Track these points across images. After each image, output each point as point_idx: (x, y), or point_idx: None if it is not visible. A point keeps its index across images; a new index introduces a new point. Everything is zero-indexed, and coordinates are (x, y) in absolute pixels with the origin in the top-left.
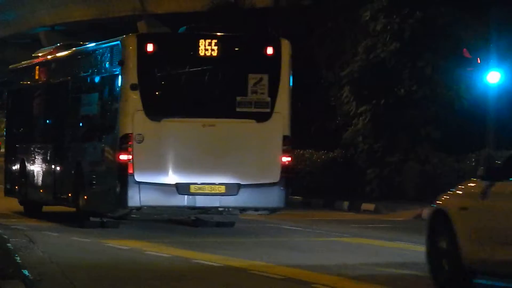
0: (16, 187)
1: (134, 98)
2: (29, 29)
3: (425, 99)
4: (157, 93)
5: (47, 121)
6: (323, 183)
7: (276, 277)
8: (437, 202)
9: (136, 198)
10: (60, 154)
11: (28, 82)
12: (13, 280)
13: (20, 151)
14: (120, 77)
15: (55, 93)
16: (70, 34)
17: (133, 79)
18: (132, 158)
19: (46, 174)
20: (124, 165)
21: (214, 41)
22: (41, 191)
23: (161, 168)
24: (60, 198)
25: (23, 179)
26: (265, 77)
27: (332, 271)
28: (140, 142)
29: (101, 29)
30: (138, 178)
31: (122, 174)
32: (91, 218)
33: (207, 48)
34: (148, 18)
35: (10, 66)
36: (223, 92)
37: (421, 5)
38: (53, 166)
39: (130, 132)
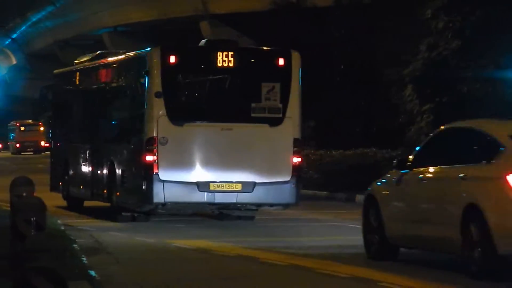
0: (60, 184)
1: (159, 105)
2: (91, 30)
3: (487, 97)
4: (179, 100)
5: (86, 124)
6: None
7: (341, 276)
8: (369, 188)
9: (160, 195)
10: (97, 154)
11: (70, 87)
12: (80, 281)
13: (63, 150)
14: (146, 85)
15: (93, 98)
16: (132, 35)
17: (158, 87)
18: (157, 158)
19: (85, 172)
20: (149, 165)
21: (231, 53)
22: (81, 187)
23: (183, 168)
24: (97, 194)
25: (66, 177)
26: (277, 86)
27: None
28: (164, 144)
29: (162, 30)
30: (162, 176)
31: (148, 173)
32: (123, 213)
33: (224, 59)
34: (210, 18)
35: (55, 71)
36: (239, 99)
37: (481, 2)
38: (91, 165)
39: (155, 135)
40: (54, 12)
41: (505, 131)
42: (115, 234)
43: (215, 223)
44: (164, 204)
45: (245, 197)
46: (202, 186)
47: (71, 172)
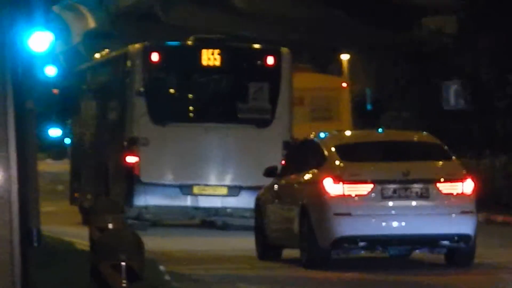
0: (75, 195)
1: (140, 104)
2: None
3: None
4: (162, 99)
5: (87, 127)
6: None
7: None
8: (259, 193)
9: (142, 198)
10: (96, 158)
11: (79, 87)
12: None
13: (76, 157)
14: (128, 84)
15: (91, 100)
16: None
17: (139, 86)
18: (138, 160)
19: (90, 178)
20: (130, 167)
21: (216, 51)
22: (87, 196)
23: (166, 170)
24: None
25: (77, 186)
26: (266, 86)
27: None
28: (145, 145)
29: None
30: (144, 179)
31: (129, 175)
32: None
33: (209, 57)
34: None
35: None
36: (225, 99)
37: None
38: (93, 171)
39: (136, 135)
40: None
41: (333, 142)
42: None
43: None
44: (146, 208)
45: (230, 202)
46: (185, 189)
47: (82, 180)
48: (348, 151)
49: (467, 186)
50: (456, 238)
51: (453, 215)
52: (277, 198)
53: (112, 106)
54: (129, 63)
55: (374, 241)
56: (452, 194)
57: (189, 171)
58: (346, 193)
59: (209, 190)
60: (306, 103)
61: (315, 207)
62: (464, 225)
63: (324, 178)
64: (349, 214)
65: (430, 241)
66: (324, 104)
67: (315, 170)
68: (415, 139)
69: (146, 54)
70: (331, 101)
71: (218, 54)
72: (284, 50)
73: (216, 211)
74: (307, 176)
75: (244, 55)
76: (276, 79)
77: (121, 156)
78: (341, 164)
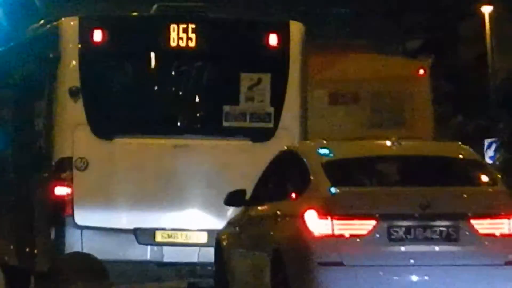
0: None
1: (75, 108)
2: None
3: None
4: (108, 100)
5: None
6: None
7: None
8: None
9: (77, 248)
10: (15, 185)
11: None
12: None
13: None
14: (55, 78)
15: (12, 98)
16: None
17: (73, 81)
18: (72, 192)
19: None
20: (60, 203)
21: (191, 26)
22: None
23: (113, 207)
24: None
25: None
26: (266, 78)
27: None
28: (82, 169)
29: None
30: (79, 220)
31: (57, 215)
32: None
33: (181, 36)
34: None
35: None
36: (204, 100)
37: None
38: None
39: (69, 156)
40: None
41: (321, 157)
42: None
43: None
44: None
45: (212, 255)
46: (143, 235)
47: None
48: (342, 171)
49: None
50: None
51: (496, 266)
52: (244, 238)
53: (36, 112)
54: (59, 46)
55: None
56: (494, 235)
57: (148, 208)
58: (337, 232)
59: (180, 238)
60: (363, 101)
61: (293, 253)
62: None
63: (305, 211)
64: (341, 264)
65: None
66: (391, 101)
67: (294, 198)
68: (444, 154)
69: (84, 32)
70: (402, 96)
71: (194, 30)
72: (294, 23)
73: (190, 269)
74: (283, 207)
75: (233, 32)
76: (281, 68)
77: (46, 186)
78: (331, 190)
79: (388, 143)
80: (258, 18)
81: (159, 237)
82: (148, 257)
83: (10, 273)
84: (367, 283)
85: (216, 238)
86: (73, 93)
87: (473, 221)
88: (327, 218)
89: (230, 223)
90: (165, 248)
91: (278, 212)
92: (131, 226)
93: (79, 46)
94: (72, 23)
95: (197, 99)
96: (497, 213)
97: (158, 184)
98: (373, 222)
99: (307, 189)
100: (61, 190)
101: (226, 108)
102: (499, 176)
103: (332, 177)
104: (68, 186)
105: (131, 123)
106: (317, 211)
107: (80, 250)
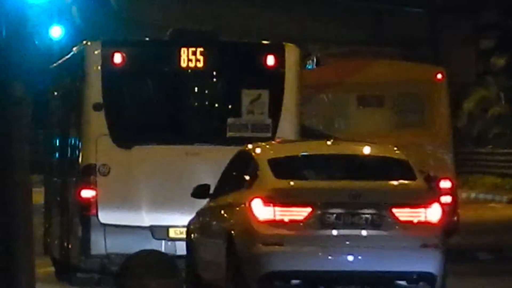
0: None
1: (98, 120)
2: None
3: None
4: (127, 114)
5: (52, 147)
6: None
7: None
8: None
9: (100, 244)
10: (58, 188)
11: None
12: None
13: (47, 186)
14: (83, 94)
15: (54, 111)
16: None
17: (97, 97)
18: (96, 194)
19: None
20: (85, 204)
21: (199, 49)
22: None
23: (132, 207)
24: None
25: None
26: (265, 94)
27: None
28: (105, 174)
29: None
30: (103, 219)
31: (83, 215)
32: (78, 274)
33: (190, 58)
34: None
35: None
36: (211, 113)
37: None
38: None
39: (93, 162)
40: None
41: (267, 155)
42: None
43: None
44: (106, 257)
45: None
46: (158, 232)
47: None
48: (284, 166)
49: (433, 213)
50: (415, 277)
51: (413, 249)
52: (207, 225)
53: (70, 124)
54: (84, 66)
55: (311, 279)
56: (411, 222)
57: (163, 208)
58: (278, 218)
59: None
60: (388, 104)
61: (242, 235)
62: (426, 262)
63: (252, 200)
64: (281, 244)
65: (382, 281)
66: (412, 104)
67: (245, 189)
68: (373, 153)
69: (106, 54)
70: (422, 99)
71: (202, 53)
72: (290, 46)
73: None
74: (235, 197)
75: (236, 54)
76: (278, 85)
77: (73, 189)
78: (274, 182)
79: (328, 143)
80: (257, 41)
81: (172, 233)
82: (163, 251)
83: (57, 266)
84: (302, 261)
85: (187, 228)
86: (97, 108)
87: (394, 210)
88: (270, 206)
89: (197, 214)
90: (177, 243)
91: (232, 202)
92: (147, 224)
93: (101, 67)
94: (95, 46)
95: (205, 113)
96: (415, 204)
97: (171, 187)
98: (309, 209)
99: (255, 181)
100: (86, 193)
101: (230, 120)
102: (419, 172)
103: (276, 172)
104: (92, 189)
105: (147, 133)
106: (262, 199)
107: (103, 246)
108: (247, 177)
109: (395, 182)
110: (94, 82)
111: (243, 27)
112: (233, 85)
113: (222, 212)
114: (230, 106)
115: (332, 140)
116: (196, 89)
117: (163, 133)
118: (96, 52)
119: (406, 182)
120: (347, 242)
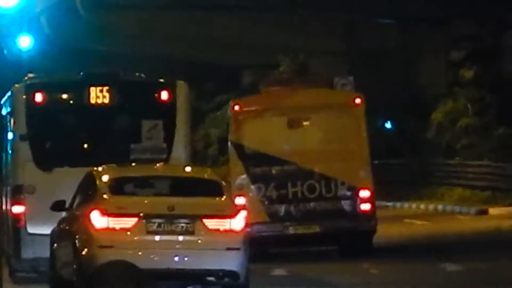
0: None
1: (24, 149)
2: None
3: None
4: (47, 143)
5: None
6: None
7: None
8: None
9: (29, 250)
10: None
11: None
12: None
13: None
14: (12, 126)
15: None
16: None
17: (22, 130)
18: (25, 209)
19: None
20: (16, 217)
21: (105, 88)
22: None
23: (54, 219)
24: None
25: None
26: (160, 123)
27: None
28: (31, 193)
29: None
30: (31, 229)
31: (15, 226)
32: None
33: (98, 95)
34: None
35: None
36: (116, 140)
37: None
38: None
39: (21, 183)
40: None
41: (106, 176)
42: None
43: None
44: (36, 260)
45: None
46: None
47: None
48: (117, 185)
49: (236, 223)
50: (221, 274)
51: (218, 251)
52: (62, 233)
53: (4, 150)
54: (13, 104)
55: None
56: (219, 230)
57: None
58: (111, 226)
59: None
60: (313, 125)
61: (83, 239)
62: (230, 262)
63: (91, 211)
64: (112, 247)
65: (195, 277)
66: (335, 125)
67: (87, 203)
68: (190, 175)
69: (29, 94)
70: (343, 121)
71: (107, 90)
72: (180, 83)
73: None
74: (81, 209)
75: (135, 90)
76: (171, 116)
77: (9, 206)
78: (108, 197)
79: (156, 166)
80: (153, 79)
81: None
82: None
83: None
84: (130, 261)
85: (50, 235)
86: (22, 138)
87: (204, 220)
88: (105, 216)
89: (58, 223)
90: None
91: (78, 213)
92: None
93: (26, 105)
94: (21, 89)
95: (111, 140)
96: (221, 215)
97: None
98: (135, 219)
99: (94, 197)
100: (16, 209)
101: (133, 145)
102: (227, 190)
103: (111, 189)
104: (21, 205)
105: (65, 158)
106: (99, 211)
107: (33, 251)
108: (90, 193)
109: (206, 198)
110: (20, 117)
111: (212, 37)
112: (134, 116)
113: (72, 221)
114: (132, 134)
115: (158, 164)
116: (103, 120)
117: (78, 157)
118: (21, 93)
119: (215, 198)
120: (167, 246)
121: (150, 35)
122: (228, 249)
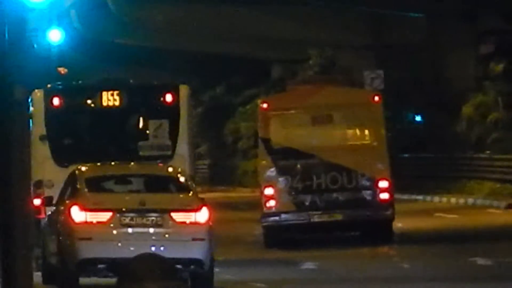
0: None
1: (43, 148)
2: None
3: None
4: (64, 142)
5: None
6: None
7: None
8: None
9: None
10: None
11: None
12: None
13: None
14: (32, 128)
15: None
16: None
17: (42, 130)
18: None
19: None
20: (37, 209)
21: (116, 92)
22: None
23: None
24: None
25: None
26: (166, 122)
27: None
28: (50, 187)
29: None
30: None
31: (36, 217)
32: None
33: (109, 98)
34: None
35: None
36: (126, 138)
37: None
38: None
39: (41, 179)
40: None
41: (85, 174)
42: None
43: None
44: None
45: None
46: None
47: None
48: (94, 183)
49: (201, 215)
50: (187, 262)
51: (185, 241)
52: (49, 226)
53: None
54: (33, 107)
55: (112, 263)
56: (185, 222)
57: None
58: (89, 220)
59: None
60: (335, 122)
61: (64, 232)
62: (195, 251)
63: (71, 206)
64: (91, 239)
65: (165, 265)
66: (355, 121)
67: (69, 199)
68: (160, 173)
69: (47, 98)
70: (362, 118)
71: (118, 95)
72: (183, 86)
73: None
74: (64, 205)
75: (143, 93)
76: (175, 116)
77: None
78: (86, 194)
79: (130, 165)
80: (159, 83)
81: None
82: None
83: None
84: (106, 251)
85: (42, 227)
86: (42, 138)
87: (172, 214)
88: (83, 211)
89: (47, 216)
90: None
91: (62, 208)
92: None
93: (44, 108)
94: (39, 93)
95: (122, 138)
96: (187, 209)
97: None
98: (110, 214)
99: (75, 194)
100: (37, 201)
101: (141, 143)
102: (193, 186)
103: (89, 187)
104: (41, 198)
105: (80, 155)
106: (78, 206)
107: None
108: (71, 190)
109: (174, 194)
110: (40, 119)
111: (242, 31)
112: (141, 117)
113: (57, 215)
114: (140, 133)
115: (132, 163)
116: (114, 121)
117: (91, 154)
118: (40, 98)
119: (182, 194)
120: (139, 237)
121: (179, 30)
122: (194, 239)
